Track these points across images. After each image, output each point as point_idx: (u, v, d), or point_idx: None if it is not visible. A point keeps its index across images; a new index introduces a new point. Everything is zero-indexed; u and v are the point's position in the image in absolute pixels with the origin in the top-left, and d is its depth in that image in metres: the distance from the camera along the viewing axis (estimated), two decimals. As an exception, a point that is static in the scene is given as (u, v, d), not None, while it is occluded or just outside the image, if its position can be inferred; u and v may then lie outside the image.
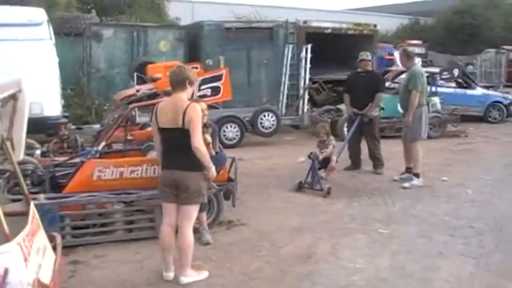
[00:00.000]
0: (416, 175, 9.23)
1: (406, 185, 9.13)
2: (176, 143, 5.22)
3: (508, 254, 6.20)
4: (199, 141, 5.09)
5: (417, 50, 29.90)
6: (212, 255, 6.04)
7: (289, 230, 6.92)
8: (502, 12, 39.47)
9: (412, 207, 7.96)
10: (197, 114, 5.13)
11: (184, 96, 5.27)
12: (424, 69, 17.24)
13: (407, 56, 9.60)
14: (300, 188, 8.76)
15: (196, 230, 6.19)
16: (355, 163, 10.39)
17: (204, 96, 8.61)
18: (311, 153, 8.91)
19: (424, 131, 9.41)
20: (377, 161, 10.21)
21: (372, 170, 10.24)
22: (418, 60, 25.36)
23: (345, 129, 13.89)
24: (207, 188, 5.54)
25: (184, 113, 5.08)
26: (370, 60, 10.39)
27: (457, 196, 8.65)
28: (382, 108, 11.39)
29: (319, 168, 8.98)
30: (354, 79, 10.48)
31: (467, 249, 6.32)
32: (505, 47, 32.11)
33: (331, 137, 9.56)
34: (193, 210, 5.32)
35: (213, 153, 6.43)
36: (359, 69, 10.37)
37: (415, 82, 9.11)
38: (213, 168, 5.30)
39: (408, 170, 9.50)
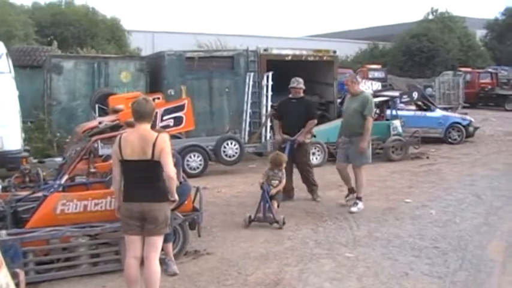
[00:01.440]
0: (360, 198, 9.27)
1: (354, 209, 9.07)
2: (143, 175, 5.19)
3: (472, 272, 6.30)
4: (173, 171, 5.14)
5: (377, 74, 30.43)
6: (179, 286, 5.99)
7: (256, 257, 6.91)
8: (457, 35, 40.55)
9: (376, 230, 8.03)
10: (167, 145, 5.16)
11: (148, 127, 5.27)
12: (384, 93, 17.72)
13: (355, 82, 9.57)
14: (250, 222, 8.26)
15: (162, 261, 6.15)
16: (288, 192, 9.82)
17: (167, 126, 8.61)
18: (262, 183, 8.52)
19: (370, 156, 9.54)
20: (312, 185, 10.06)
21: (307, 195, 10.12)
22: (378, 85, 25.87)
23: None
24: (172, 218, 5.50)
25: (154, 144, 5.08)
26: (301, 88, 10.08)
27: (420, 217, 8.76)
28: (314, 136, 11.71)
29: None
30: (285, 105, 10.28)
31: (432, 269, 6.40)
32: (461, 69, 32.94)
33: (283, 170, 8.96)
34: (160, 241, 5.32)
35: (177, 183, 6.42)
36: (290, 96, 10.20)
37: (371, 108, 9.25)
38: (176, 196, 5.31)
39: (350, 191, 9.61)
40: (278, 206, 8.64)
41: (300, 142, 9.72)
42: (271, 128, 15.74)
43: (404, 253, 7.00)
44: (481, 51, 42.67)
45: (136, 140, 5.18)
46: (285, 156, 9.02)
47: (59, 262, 6.31)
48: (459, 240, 7.49)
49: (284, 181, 8.88)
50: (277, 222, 8.16)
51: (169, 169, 5.11)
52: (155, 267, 5.23)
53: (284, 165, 8.89)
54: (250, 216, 8.28)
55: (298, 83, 10.04)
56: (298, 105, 9.91)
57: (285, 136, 9.82)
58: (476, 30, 44.38)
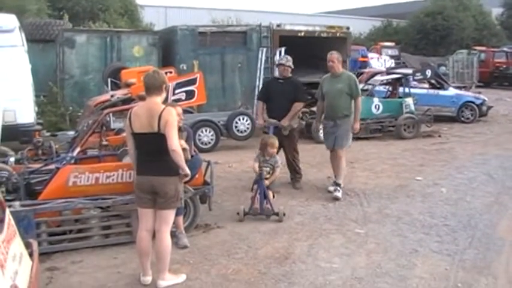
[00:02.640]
0: (340, 185, 8.72)
1: (339, 195, 8.56)
2: (151, 148, 5.22)
3: (481, 250, 6.31)
4: (176, 144, 5.11)
5: (390, 51, 30.26)
6: (190, 259, 6.05)
7: (265, 231, 6.95)
8: (472, 14, 40.07)
9: (387, 207, 8.04)
10: (173, 118, 5.14)
11: (159, 100, 5.28)
12: (397, 71, 17.62)
13: (340, 61, 8.88)
14: (244, 215, 7.39)
15: (173, 234, 6.20)
16: None
17: (179, 100, 8.62)
18: (260, 169, 7.62)
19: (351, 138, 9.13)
20: (296, 174, 9.39)
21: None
22: (391, 62, 25.70)
23: (321, 130, 14.09)
24: (183, 191, 5.52)
25: (160, 117, 5.08)
26: (290, 67, 9.12)
27: (431, 195, 8.76)
28: (302, 119, 11.53)
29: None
30: (271, 86, 9.44)
31: (441, 246, 6.42)
32: (476, 47, 32.65)
33: (278, 157, 8.13)
34: (171, 215, 5.34)
35: (189, 157, 6.45)
36: (276, 75, 9.29)
37: (357, 87, 8.80)
38: (187, 170, 5.30)
39: (336, 184, 8.80)
40: (273, 196, 7.84)
41: (284, 127, 8.86)
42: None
43: (414, 230, 7.01)
44: (497, 30, 42.18)
45: (144, 113, 5.21)
46: (276, 140, 8.10)
47: (71, 233, 6.39)
48: (469, 219, 7.49)
49: (278, 170, 8.02)
50: (276, 214, 7.38)
51: (173, 142, 5.09)
52: (166, 240, 5.28)
53: (275, 150, 8.05)
54: (244, 210, 7.44)
55: (287, 60, 9.20)
56: (286, 86, 9.06)
57: (270, 120, 8.98)
58: (492, 8, 43.79)
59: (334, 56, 8.81)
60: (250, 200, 7.56)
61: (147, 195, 5.27)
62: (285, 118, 8.84)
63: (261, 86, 14.82)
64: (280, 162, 8.08)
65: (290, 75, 9.21)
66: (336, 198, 8.46)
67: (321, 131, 14.12)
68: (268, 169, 7.79)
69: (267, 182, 7.62)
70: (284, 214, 7.37)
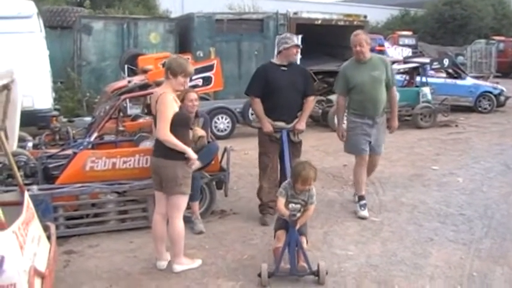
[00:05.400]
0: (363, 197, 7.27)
1: (365, 213, 7.08)
2: None
3: (497, 240, 6.27)
4: (163, 133, 5.05)
5: (407, 40, 30.07)
6: (205, 244, 6.09)
7: (281, 218, 6.95)
8: (491, 3, 39.67)
9: (402, 196, 8.02)
10: (163, 106, 5.07)
11: (164, 85, 5.27)
12: (414, 59, 17.50)
13: (369, 44, 7.15)
14: (269, 277, 5.08)
15: (189, 219, 6.27)
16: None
17: (196, 86, 8.63)
18: (292, 210, 5.07)
19: None
20: None
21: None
22: (408, 51, 25.49)
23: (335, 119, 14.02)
24: (188, 177, 5.29)
25: (156, 102, 5.12)
26: (298, 47, 6.93)
27: (447, 184, 8.71)
28: None
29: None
30: (271, 76, 6.74)
31: (457, 235, 6.39)
32: (494, 37, 32.34)
33: (313, 189, 5.33)
34: (178, 200, 5.25)
35: (206, 143, 6.48)
36: (276, 61, 6.94)
37: (393, 73, 7.32)
38: (190, 152, 5.19)
39: (361, 198, 7.23)
40: (307, 243, 5.44)
41: (300, 131, 6.87)
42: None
43: (429, 219, 6.99)
44: (516, 20, 41.77)
45: (154, 97, 5.30)
46: (315, 173, 5.22)
47: (88, 218, 6.45)
48: (485, 209, 7.45)
49: (313, 207, 5.34)
50: (315, 274, 5.12)
51: (158, 131, 5.08)
52: (178, 226, 5.26)
53: (313, 181, 5.26)
54: (267, 270, 5.08)
55: (291, 40, 6.79)
56: (293, 74, 6.78)
57: (279, 123, 6.73)
58: (512, -3, 43.38)
59: (361, 37, 6.96)
60: (273, 253, 5.36)
61: (156, 177, 5.30)
62: (300, 120, 6.83)
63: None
64: (315, 197, 5.35)
65: (294, 60, 7.19)
66: (363, 218, 6.98)
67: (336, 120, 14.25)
68: (298, 206, 5.14)
69: (301, 219, 5.18)
70: (326, 272, 5.14)
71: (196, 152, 6.17)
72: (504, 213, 7.26)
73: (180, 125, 5.14)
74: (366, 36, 7.04)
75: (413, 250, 5.92)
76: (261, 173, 6.97)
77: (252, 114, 12.70)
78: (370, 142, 7.05)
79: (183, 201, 5.31)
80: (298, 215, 5.09)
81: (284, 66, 6.76)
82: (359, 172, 7.22)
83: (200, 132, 6.43)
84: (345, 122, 7.47)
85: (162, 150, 5.16)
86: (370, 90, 6.94)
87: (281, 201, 5.22)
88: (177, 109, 5.13)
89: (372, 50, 23.93)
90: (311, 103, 7.05)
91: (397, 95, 7.36)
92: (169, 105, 5.07)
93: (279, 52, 6.83)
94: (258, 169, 7.03)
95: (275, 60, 6.95)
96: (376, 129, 7.06)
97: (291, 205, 5.11)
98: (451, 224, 6.81)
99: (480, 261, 5.66)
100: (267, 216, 6.79)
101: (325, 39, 17.19)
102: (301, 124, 6.83)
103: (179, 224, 5.27)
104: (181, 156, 5.17)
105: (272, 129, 6.67)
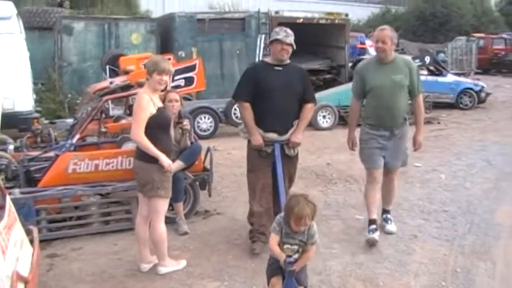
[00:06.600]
0: (389, 212, 6.63)
1: (393, 228, 6.41)
2: None
3: (480, 236, 6.32)
4: (136, 134, 4.98)
5: (389, 38, 30.06)
6: (190, 245, 6.06)
7: (265, 218, 6.94)
8: (471, 1, 39.96)
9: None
10: (138, 106, 5.01)
11: (145, 86, 5.22)
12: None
13: (394, 43, 6.01)
14: None
15: (173, 220, 6.25)
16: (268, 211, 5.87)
17: (178, 86, 8.60)
18: (289, 257, 4.05)
19: None
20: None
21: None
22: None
23: (319, 117, 14.07)
24: (166, 180, 5.16)
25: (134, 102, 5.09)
26: (291, 45, 5.72)
27: (430, 181, 8.77)
28: None
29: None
30: (263, 77, 5.76)
31: (441, 232, 6.43)
32: (475, 34, 32.57)
33: (314, 226, 4.17)
34: (157, 203, 5.15)
35: (189, 143, 6.46)
36: (267, 60, 6.03)
37: (419, 79, 6.24)
38: (162, 158, 5.02)
39: (373, 222, 6.19)
40: None
41: (295, 144, 5.85)
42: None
43: (413, 216, 7.02)
44: (495, 17, 42.05)
45: None
46: (312, 206, 4.03)
47: (71, 220, 6.40)
48: (468, 205, 7.50)
49: (313, 249, 4.22)
50: None
51: (132, 131, 5.04)
52: (158, 229, 5.19)
53: (311, 218, 4.07)
54: None
55: (286, 34, 5.72)
56: (288, 76, 5.78)
57: (270, 135, 5.73)
58: (491, -5, 43.74)
59: (386, 33, 5.91)
60: None
61: (137, 179, 5.26)
62: (296, 131, 5.81)
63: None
64: (317, 237, 4.22)
65: (289, 60, 5.90)
66: (390, 233, 6.33)
67: (319, 117, 14.28)
68: (295, 247, 4.14)
69: (295, 268, 4.07)
70: None
71: (179, 152, 6.16)
72: (486, 209, 7.32)
73: (156, 127, 5.04)
74: (392, 33, 5.97)
75: (397, 247, 5.95)
76: (250, 194, 6.00)
77: (237, 118, 12.47)
78: (384, 157, 6.09)
79: (162, 204, 5.21)
80: (296, 256, 4.11)
81: (278, 66, 5.78)
82: (368, 191, 6.29)
83: (187, 126, 6.40)
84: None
85: (139, 152, 5.10)
86: (388, 96, 5.92)
87: (274, 240, 4.15)
88: (154, 111, 5.02)
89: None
90: (310, 111, 5.93)
91: (422, 105, 6.28)
92: (143, 106, 4.97)
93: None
94: (248, 189, 6.11)
95: (268, 59, 5.99)
96: (393, 142, 6.05)
97: (286, 246, 4.13)
98: (435, 220, 6.86)
99: (463, 257, 5.70)
100: (257, 245, 5.75)
101: (307, 38, 17.19)
102: (297, 136, 5.78)
103: (160, 227, 5.20)
104: (154, 159, 5.05)
105: (262, 142, 5.70)
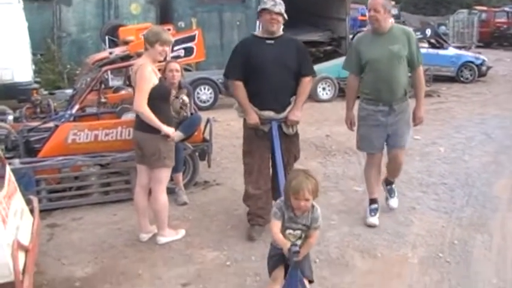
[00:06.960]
0: (392, 183, 6.46)
1: (394, 204, 6.31)
2: None
3: (478, 208, 6.35)
4: (139, 105, 4.96)
5: (390, 10, 29.91)
6: (189, 215, 6.10)
7: (264, 189, 6.96)
8: (474, -27, 39.58)
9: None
10: (141, 77, 4.97)
11: (143, 56, 5.18)
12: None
13: (388, 9, 5.52)
14: None
15: (172, 191, 6.26)
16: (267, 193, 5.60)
17: (178, 57, 8.55)
18: (294, 246, 3.72)
19: None
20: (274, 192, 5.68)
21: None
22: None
23: (319, 89, 14.04)
24: (171, 149, 5.21)
25: (135, 73, 5.06)
26: (280, 14, 5.25)
27: (429, 154, 8.78)
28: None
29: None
30: (254, 52, 5.35)
31: (439, 204, 6.47)
32: (477, 7, 32.36)
33: (318, 210, 3.98)
34: (161, 173, 5.20)
35: (188, 114, 6.45)
36: (259, 33, 5.58)
37: (419, 49, 5.83)
38: (165, 129, 5.05)
39: (374, 201, 6.02)
40: (310, 282, 4.05)
41: (294, 122, 5.48)
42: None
43: (411, 188, 7.05)
44: (498, -11, 41.79)
45: (133, 69, 5.24)
46: (313, 181, 3.80)
47: (71, 191, 6.43)
48: (467, 177, 7.53)
49: (317, 233, 4.04)
50: None
51: (135, 103, 5.01)
52: (160, 199, 5.23)
53: (313, 197, 3.84)
54: None
55: (274, 3, 5.23)
56: (281, 49, 5.37)
57: (266, 113, 5.35)
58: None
59: (378, 1, 5.46)
60: None
61: (137, 151, 5.26)
62: (294, 108, 5.43)
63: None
64: (321, 219, 4.00)
65: (282, 32, 5.50)
66: (392, 208, 6.24)
67: (319, 89, 14.25)
68: (298, 232, 3.93)
69: (303, 250, 3.86)
70: None
71: (179, 123, 6.16)
72: (485, 182, 7.35)
73: (157, 98, 5.03)
74: (385, 1, 5.47)
75: (395, 219, 5.98)
76: (245, 176, 5.70)
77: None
78: (388, 135, 5.74)
79: (165, 174, 5.27)
80: (299, 242, 3.87)
81: (270, 39, 5.35)
82: (368, 171, 6.03)
83: (185, 100, 6.38)
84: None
85: (142, 123, 5.07)
86: (386, 68, 5.53)
87: (276, 226, 3.86)
88: (156, 82, 5.02)
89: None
90: (307, 84, 5.47)
91: (423, 77, 5.90)
92: (146, 77, 4.95)
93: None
94: (244, 171, 5.77)
95: (258, 33, 5.62)
96: (394, 118, 5.66)
97: (288, 231, 3.87)
98: (433, 193, 6.89)
99: (461, 229, 5.73)
100: (254, 229, 5.51)
101: (308, 9, 17.10)
102: (296, 114, 5.39)
103: (162, 197, 5.25)
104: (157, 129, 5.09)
105: (258, 120, 5.35)
